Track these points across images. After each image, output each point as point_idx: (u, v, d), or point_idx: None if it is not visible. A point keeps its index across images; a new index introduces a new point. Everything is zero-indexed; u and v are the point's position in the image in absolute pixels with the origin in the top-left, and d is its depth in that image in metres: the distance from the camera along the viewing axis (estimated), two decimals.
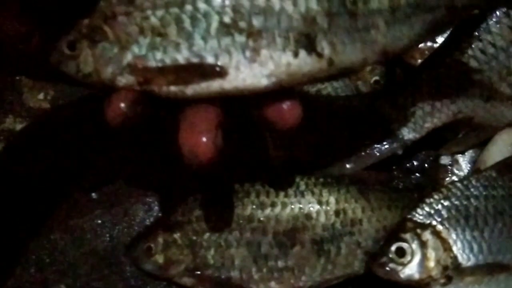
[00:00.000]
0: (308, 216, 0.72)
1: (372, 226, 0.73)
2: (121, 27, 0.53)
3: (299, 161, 0.80)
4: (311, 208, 0.72)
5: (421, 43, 0.62)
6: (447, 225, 0.70)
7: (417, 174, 0.85)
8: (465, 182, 0.74)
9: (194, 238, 0.72)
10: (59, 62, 0.55)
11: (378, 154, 0.80)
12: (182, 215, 0.73)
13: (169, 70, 0.53)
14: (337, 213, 0.72)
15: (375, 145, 0.80)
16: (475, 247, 0.70)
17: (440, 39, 0.81)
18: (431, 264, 0.69)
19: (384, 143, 0.80)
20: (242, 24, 0.52)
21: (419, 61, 0.86)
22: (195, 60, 0.53)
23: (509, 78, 0.78)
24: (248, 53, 0.53)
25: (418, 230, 0.70)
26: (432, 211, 0.71)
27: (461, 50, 0.78)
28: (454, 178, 0.83)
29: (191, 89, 0.54)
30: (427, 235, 0.70)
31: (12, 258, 0.80)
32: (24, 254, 0.80)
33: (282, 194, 0.73)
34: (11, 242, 0.80)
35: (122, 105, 0.53)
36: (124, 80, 0.54)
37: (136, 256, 0.74)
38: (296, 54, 0.54)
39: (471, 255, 0.69)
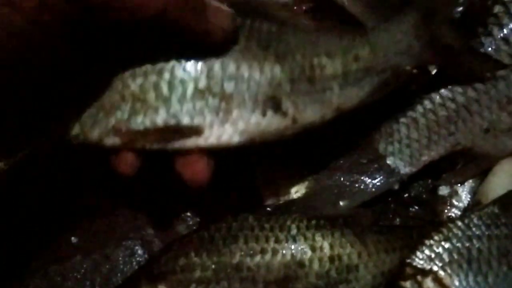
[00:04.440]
0: (301, 263, 0.67)
1: (369, 272, 0.68)
2: (105, 96, 0.59)
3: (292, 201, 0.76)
4: (304, 255, 0.68)
5: (371, 100, 0.67)
6: (449, 271, 0.66)
7: (415, 207, 0.81)
8: (466, 221, 0.70)
9: None
10: None
11: (373, 190, 0.76)
12: (166, 264, 0.68)
13: (149, 132, 0.60)
14: (331, 259, 0.68)
15: (370, 181, 0.75)
16: None
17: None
18: None
19: (379, 178, 0.76)
20: (215, 89, 0.60)
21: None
22: (172, 121, 0.60)
23: (510, 107, 0.73)
24: (221, 114, 0.61)
25: (419, 277, 0.65)
26: (433, 255, 0.67)
27: (458, 79, 0.73)
28: (454, 210, 0.79)
29: (170, 146, 0.61)
30: (428, 283, 0.65)
31: None
32: None
33: (272, 239, 0.68)
34: None
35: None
36: (111, 141, 0.60)
37: None
38: (264, 114, 0.62)
39: None
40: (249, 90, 0.61)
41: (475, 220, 0.70)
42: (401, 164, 0.75)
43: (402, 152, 0.75)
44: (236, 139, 0.62)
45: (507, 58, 0.73)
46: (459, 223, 0.70)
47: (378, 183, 0.75)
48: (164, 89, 0.59)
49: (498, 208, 0.71)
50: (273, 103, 0.62)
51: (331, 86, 0.64)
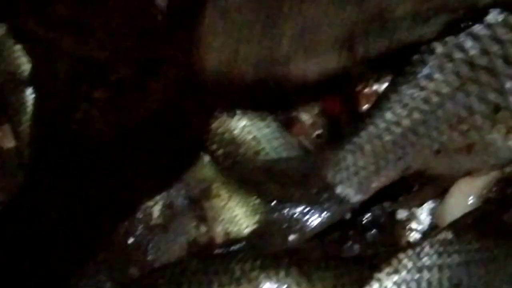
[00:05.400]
0: None
1: None
2: None
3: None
4: None
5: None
6: None
7: (373, 232, 0.78)
8: (417, 250, 0.68)
9: None
10: None
11: (324, 221, 0.73)
12: None
13: None
14: None
15: (320, 211, 0.73)
16: None
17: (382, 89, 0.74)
18: None
19: (330, 208, 0.73)
20: None
21: (366, 106, 0.78)
22: None
23: (461, 126, 0.70)
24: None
25: None
26: None
27: (402, 102, 0.70)
28: (413, 234, 0.76)
29: None
30: None
31: None
32: None
33: (216, 283, 0.67)
34: None
35: None
36: None
37: None
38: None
39: None
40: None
41: (426, 249, 0.67)
42: (351, 192, 0.72)
43: (350, 180, 0.72)
44: None
45: (452, 77, 0.69)
46: (410, 253, 0.67)
47: (328, 214, 0.73)
48: None
49: (452, 234, 0.68)
50: (347, 44, 0.65)
51: (401, 26, 0.66)
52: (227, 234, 0.75)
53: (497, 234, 0.68)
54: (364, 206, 0.76)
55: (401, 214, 0.77)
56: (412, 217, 0.77)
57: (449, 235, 0.68)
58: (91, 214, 0.78)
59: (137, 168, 0.78)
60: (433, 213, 0.76)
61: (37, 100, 0.82)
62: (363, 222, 0.78)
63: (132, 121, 0.76)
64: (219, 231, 0.76)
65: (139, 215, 0.80)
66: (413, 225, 0.77)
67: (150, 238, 0.80)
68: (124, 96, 0.76)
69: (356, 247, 0.77)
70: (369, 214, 0.78)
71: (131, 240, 0.80)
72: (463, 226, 0.69)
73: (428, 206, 0.77)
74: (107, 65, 0.72)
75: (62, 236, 0.78)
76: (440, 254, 0.67)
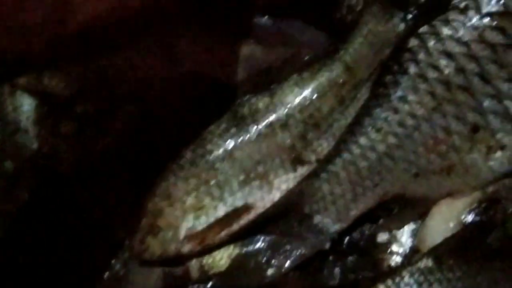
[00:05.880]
0: None
1: None
2: (169, 216, 0.71)
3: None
4: None
5: None
6: None
7: (354, 256, 0.76)
8: (396, 280, 0.66)
9: None
10: (139, 254, 0.73)
11: (302, 253, 0.71)
12: None
13: (214, 225, 0.70)
14: None
15: (299, 243, 0.71)
16: None
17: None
18: None
19: (308, 239, 0.71)
20: (252, 174, 0.71)
21: None
22: (229, 208, 0.70)
23: (439, 148, 0.68)
24: (265, 187, 0.71)
25: None
26: None
27: (376, 126, 0.68)
28: (394, 257, 0.74)
29: (234, 228, 0.70)
30: None
31: None
32: None
33: None
34: None
35: None
36: (187, 248, 0.71)
37: None
38: (295, 170, 0.71)
39: None
40: (274, 162, 0.71)
41: (406, 279, 0.65)
42: (329, 222, 0.70)
43: (328, 209, 0.70)
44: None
45: (428, 97, 0.67)
46: (389, 283, 0.65)
47: (307, 245, 0.71)
48: (216, 193, 0.70)
49: (432, 261, 0.66)
50: (297, 160, 0.70)
51: (334, 119, 0.70)
52: (202, 266, 0.73)
53: (481, 259, 0.66)
54: (343, 230, 0.73)
55: (382, 237, 0.75)
56: (392, 239, 0.75)
57: (429, 262, 0.66)
58: (62, 248, 0.76)
59: (105, 200, 0.76)
60: (414, 234, 0.74)
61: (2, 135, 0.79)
62: (343, 246, 0.76)
63: (97, 154, 0.74)
64: (194, 263, 0.74)
65: (114, 247, 0.78)
66: (394, 247, 0.74)
67: (125, 270, 0.78)
68: (89, 129, 0.73)
69: (337, 272, 0.75)
70: (349, 238, 0.76)
71: (106, 274, 0.78)
72: (444, 252, 0.67)
73: (408, 228, 0.74)
74: (72, 100, 0.70)
75: (30, 271, 0.76)
76: (420, 284, 0.65)
